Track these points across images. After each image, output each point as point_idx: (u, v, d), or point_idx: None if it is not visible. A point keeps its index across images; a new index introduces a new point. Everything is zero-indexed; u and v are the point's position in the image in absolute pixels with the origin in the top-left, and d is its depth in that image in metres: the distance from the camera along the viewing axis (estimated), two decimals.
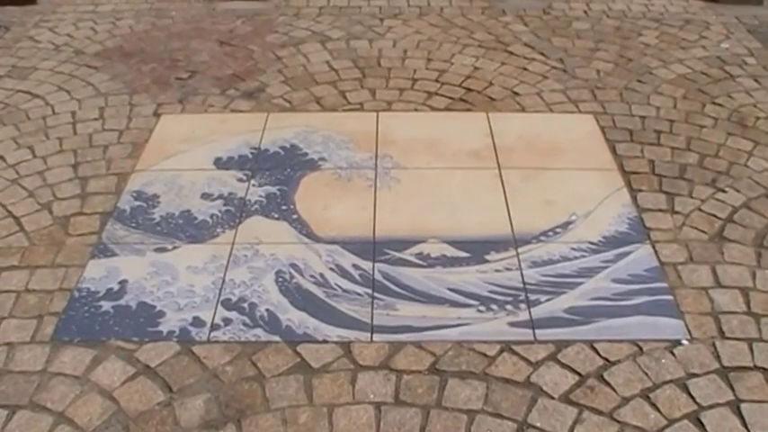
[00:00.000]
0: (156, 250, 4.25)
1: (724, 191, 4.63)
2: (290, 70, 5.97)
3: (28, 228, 4.39)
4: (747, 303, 3.91)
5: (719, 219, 4.43)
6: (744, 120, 5.31)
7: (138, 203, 4.58)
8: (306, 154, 5.01)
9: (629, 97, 5.57)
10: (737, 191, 4.63)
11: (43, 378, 3.56)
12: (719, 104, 5.49)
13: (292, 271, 4.10)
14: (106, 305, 3.92)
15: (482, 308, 3.90)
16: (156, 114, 5.44)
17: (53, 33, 6.65)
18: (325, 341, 3.72)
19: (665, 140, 5.09)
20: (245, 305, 3.91)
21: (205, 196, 4.64)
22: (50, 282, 4.05)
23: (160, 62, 6.10)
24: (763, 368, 3.59)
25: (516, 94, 5.65)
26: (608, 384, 3.51)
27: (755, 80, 5.81)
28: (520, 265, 4.13)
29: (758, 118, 5.33)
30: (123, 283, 4.04)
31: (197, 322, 3.82)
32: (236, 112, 5.49)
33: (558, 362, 3.61)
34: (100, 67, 6.06)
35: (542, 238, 4.31)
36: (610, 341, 3.71)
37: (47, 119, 5.40)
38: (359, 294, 3.97)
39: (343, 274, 4.09)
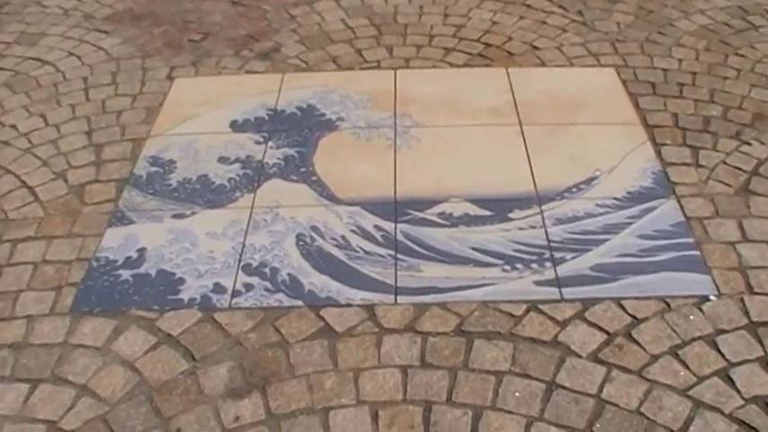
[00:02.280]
0: (174, 216, 4.19)
1: (749, 143, 4.53)
2: (305, 29, 5.87)
3: (43, 198, 4.34)
4: None
5: (745, 172, 4.34)
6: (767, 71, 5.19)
7: (154, 169, 4.52)
8: (323, 114, 4.93)
9: (651, 50, 5.45)
10: (762, 143, 4.53)
11: (64, 350, 3.53)
12: (742, 55, 5.36)
13: (313, 234, 4.05)
14: (125, 274, 3.87)
15: (507, 267, 3.84)
16: (170, 78, 5.36)
17: None
18: (348, 304, 3.68)
19: (688, 93, 4.99)
20: (267, 270, 3.86)
21: (222, 160, 4.57)
22: (68, 252, 4.00)
23: (172, 24, 6.01)
24: None
25: (536, 48, 5.55)
26: (636, 342, 3.46)
27: None
28: (544, 222, 4.07)
29: None
30: (142, 250, 4.00)
31: (218, 289, 3.77)
32: (251, 73, 5.40)
33: (586, 320, 3.55)
34: (110, 31, 5.96)
35: (566, 194, 4.24)
36: (637, 298, 3.65)
37: (58, 85, 5.32)
38: (381, 256, 3.91)
39: (365, 235, 4.03)
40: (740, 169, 4.35)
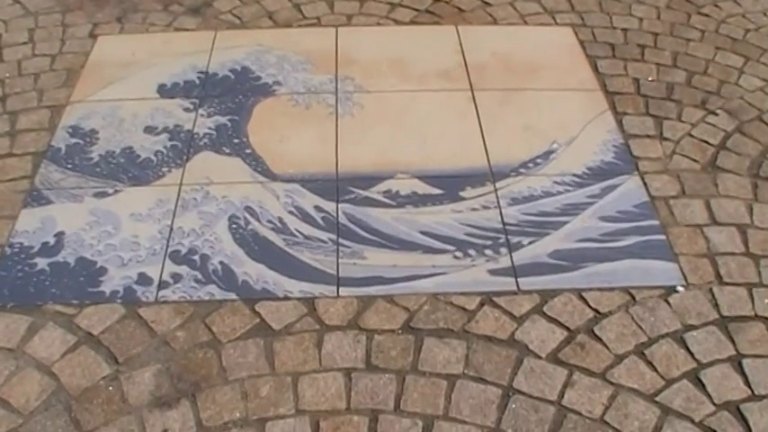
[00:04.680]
0: (96, 195, 3.83)
1: (715, 113, 4.28)
2: None
3: None
4: (745, 243, 3.62)
5: (712, 145, 4.09)
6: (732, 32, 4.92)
7: (74, 141, 4.14)
8: (259, 78, 4.57)
9: (609, 7, 5.14)
10: (729, 113, 4.28)
11: None
12: (706, 15, 5.07)
13: (247, 216, 3.72)
14: (41, 263, 3.52)
15: (459, 254, 3.55)
16: (93, 35, 4.93)
17: None
18: (286, 297, 3.38)
19: (650, 56, 4.70)
20: (196, 258, 3.53)
21: (148, 130, 4.20)
22: None
23: None
24: (765, 317, 3.33)
25: (487, 4, 5.20)
26: (599, 340, 3.23)
27: None
28: (498, 202, 3.78)
29: (747, 30, 4.93)
30: (60, 235, 3.64)
31: (143, 280, 3.44)
32: (181, 30, 5.00)
33: (545, 315, 3.31)
34: None
35: (522, 170, 3.95)
36: (600, 289, 3.42)
37: None
38: (322, 241, 3.60)
39: (304, 217, 3.71)
40: (707, 143, 4.10)
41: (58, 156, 4.04)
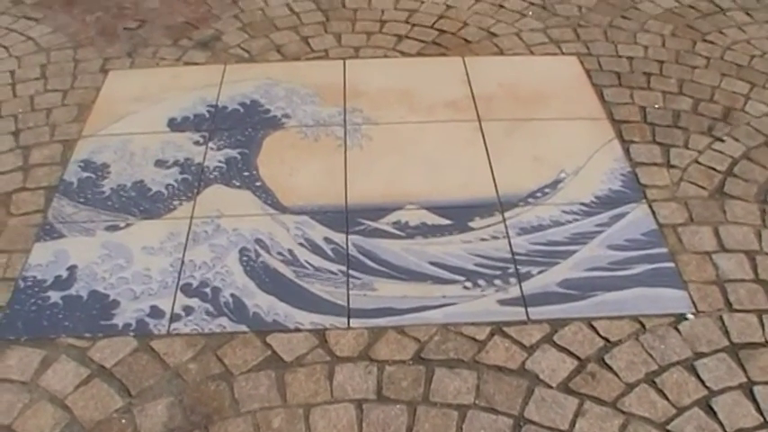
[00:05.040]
0: (108, 228, 3.86)
1: (722, 140, 4.29)
2: (248, 15, 5.50)
3: None
4: (754, 269, 3.62)
5: (719, 172, 4.10)
6: (737, 59, 4.94)
7: (86, 174, 4.17)
8: (268, 110, 4.61)
9: (615, 36, 5.17)
10: (736, 140, 4.30)
11: None
12: (711, 42, 5.10)
13: (258, 248, 3.74)
14: (54, 296, 3.55)
15: (468, 284, 3.56)
16: (104, 70, 4.98)
17: None
18: (297, 329, 3.39)
19: (656, 84, 4.73)
20: (208, 290, 3.55)
21: (159, 163, 4.24)
22: None
23: (106, 10, 5.60)
24: None
25: (493, 35, 5.24)
26: (610, 369, 3.22)
27: (747, 13, 5.41)
28: (507, 232, 3.79)
29: (752, 56, 4.96)
30: (72, 268, 3.67)
31: (155, 312, 3.46)
32: (190, 64, 5.04)
33: (555, 344, 3.31)
34: (40, 18, 5.53)
35: (530, 199, 3.97)
36: (609, 318, 3.42)
37: None
38: (332, 273, 3.62)
39: (314, 249, 3.73)
40: (714, 169, 4.11)
41: (71, 190, 4.08)
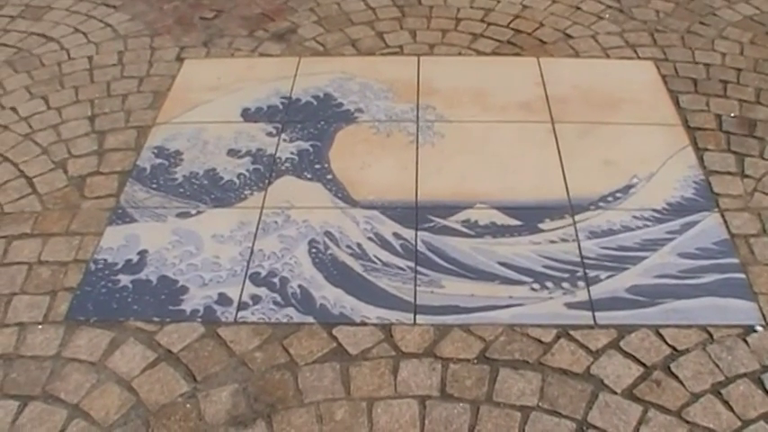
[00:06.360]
0: (179, 215, 3.91)
1: None
2: (324, 9, 5.53)
3: (41, 190, 4.07)
4: None
5: None
6: None
7: (159, 161, 4.23)
8: (341, 104, 4.63)
9: (692, 42, 5.10)
10: None
11: (56, 364, 3.28)
12: None
13: (327, 240, 3.76)
14: (124, 279, 3.60)
15: (536, 285, 3.55)
16: (179, 59, 5.05)
17: None
18: (363, 323, 3.40)
19: (733, 92, 4.66)
20: (276, 280, 3.58)
21: (232, 153, 4.28)
22: (65, 252, 3.74)
23: (183, 0, 5.68)
24: None
25: (569, 36, 5.20)
26: (676, 378, 3.18)
27: None
28: (577, 235, 3.77)
29: None
30: (143, 253, 3.72)
31: (223, 300, 3.50)
32: (265, 56, 5.09)
33: (621, 350, 3.27)
34: (119, 5, 5.62)
35: (601, 203, 3.93)
36: (677, 326, 3.37)
37: (62, 65, 5.02)
38: (400, 269, 3.63)
39: (383, 244, 3.74)
40: None
41: (143, 175, 4.14)
